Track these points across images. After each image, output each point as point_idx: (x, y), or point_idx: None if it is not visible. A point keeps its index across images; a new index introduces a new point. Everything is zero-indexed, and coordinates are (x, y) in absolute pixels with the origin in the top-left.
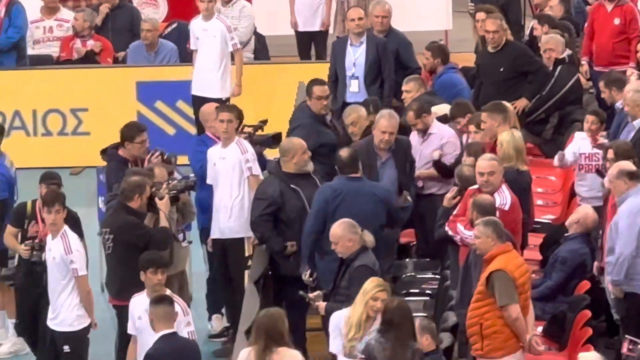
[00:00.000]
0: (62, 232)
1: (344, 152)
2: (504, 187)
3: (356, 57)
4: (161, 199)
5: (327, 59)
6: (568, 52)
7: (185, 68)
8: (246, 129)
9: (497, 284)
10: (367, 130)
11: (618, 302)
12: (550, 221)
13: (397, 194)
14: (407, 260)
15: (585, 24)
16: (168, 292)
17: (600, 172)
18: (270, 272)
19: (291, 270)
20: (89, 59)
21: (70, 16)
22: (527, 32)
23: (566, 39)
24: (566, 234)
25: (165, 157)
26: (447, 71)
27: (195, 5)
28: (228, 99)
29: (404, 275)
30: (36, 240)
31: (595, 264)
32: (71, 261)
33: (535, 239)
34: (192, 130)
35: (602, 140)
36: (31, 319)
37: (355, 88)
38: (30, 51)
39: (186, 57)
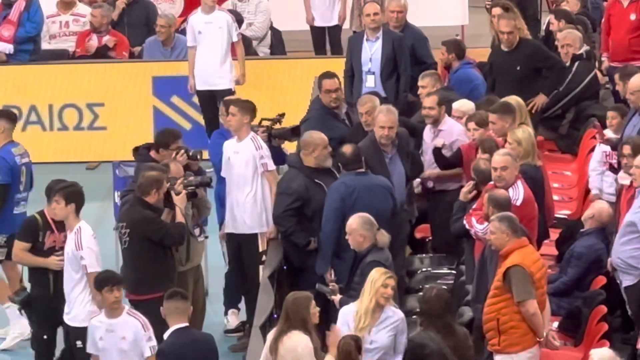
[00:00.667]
0: (76, 227)
1: (347, 149)
2: (520, 182)
3: (372, 52)
4: (178, 194)
5: (342, 53)
6: (586, 47)
7: None
8: (264, 122)
9: (514, 279)
10: None
11: (632, 296)
12: (566, 216)
13: (405, 186)
14: (422, 255)
15: (602, 20)
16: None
17: (614, 168)
18: (284, 267)
19: (306, 263)
20: (102, 55)
21: (86, 11)
22: (543, 27)
23: (582, 33)
24: (581, 230)
25: (190, 154)
26: (463, 66)
27: None
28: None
29: (419, 271)
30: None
31: (609, 259)
32: (81, 257)
33: (551, 234)
34: None
35: (609, 135)
36: (48, 339)
37: (371, 83)
38: (46, 46)
39: None
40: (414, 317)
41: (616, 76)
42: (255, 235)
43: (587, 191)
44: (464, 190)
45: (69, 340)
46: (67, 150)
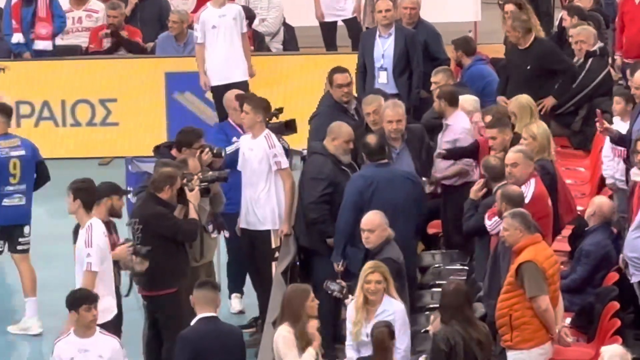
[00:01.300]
0: (87, 224)
1: (371, 139)
2: (533, 180)
3: (385, 48)
4: (191, 190)
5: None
6: (599, 44)
7: None
8: None
9: (527, 275)
10: None
11: None
12: (579, 212)
13: None
14: (434, 251)
15: (616, 18)
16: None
17: (628, 161)
18: (297, 263)
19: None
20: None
21: (99, 7)
22: (556, 23)
23: (595, 30)
24: (587, 228)
25: (215, 152)
26: (476, 63)
27: None
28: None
29: (432, 267)
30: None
31: (621, 256)
32: (88, 254)
33: (564, 230)
34: None
35: (608, 125)
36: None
37: (383, 79)
38: (59, 42)
39: None
40: (427, 312)
41: (628, 72)
42: (269, 232)
43: (600, 187)
44: (474, 188)
45: None
46: (80, 146)
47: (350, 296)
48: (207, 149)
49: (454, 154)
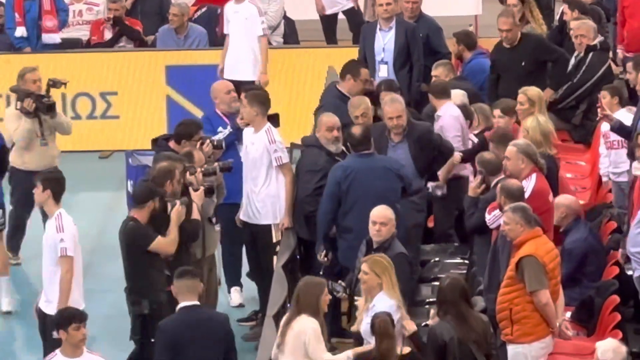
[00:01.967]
0: (56, 213)
1: (356, 130)
2: (534, 175)
3: (385, 42)
4: (196, 190)
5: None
6: (600, 38)
7: (214, 52)
8: None
9: (527, 269)
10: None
11: None
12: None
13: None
14: (434, 245)
15: (617, 12)
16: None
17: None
18: (297, 256)
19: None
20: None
21: (100, 0)
22: (557, 16)
23: (596, 23)
24: (561, 230)
25: (215, 144)
26: (477, 57)
27: None
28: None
29: (432, 260)
30: None
31: (621, 250)
32: (61, 239)
33: None
34: None
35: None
36: None
37: (384, 73)
38: (59, 34)
39: (216, 41)
40: (427, 306)
41: (629, 65)
42: (269, 225)
43: (601, 181)
44: (472, 185)
45: (44, 330)
46: (80, 139)
47: (356, 297)
48: (207, 141)
49: (469, 155)
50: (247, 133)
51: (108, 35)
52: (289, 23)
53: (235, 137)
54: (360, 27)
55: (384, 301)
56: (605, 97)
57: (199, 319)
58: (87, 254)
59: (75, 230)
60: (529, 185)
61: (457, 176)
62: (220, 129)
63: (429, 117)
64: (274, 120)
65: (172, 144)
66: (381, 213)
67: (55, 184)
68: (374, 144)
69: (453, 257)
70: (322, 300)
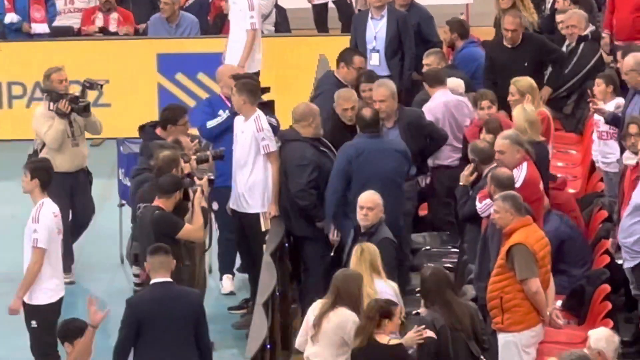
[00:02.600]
0: (39, 202)
1: (366, 111)
2: (525, 164)
3: (377, 30)
4: (200, 179)
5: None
6: (591, 28)
7: (206, 40)
8: None
9: (517, 257)
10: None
11: (638, 276)
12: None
13: None
14: (425, 233)
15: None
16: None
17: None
18: (286, 244)
19: (308, 232)
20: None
21: None
22: (548, 5)
23: (587, 13)
24: None
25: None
26: (468, 45)
27: None
28: (257, 73)
29: (423, 249)
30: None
31: (611, 240)
32: (34, 230)
33: None
34: None
35: (601, 105)
36: None
37: (376, 61)
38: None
39: (207, 29)
40: (417, 295)
41: (618, 54)
42: (258, 214)
43: (592, 170)
44: (464, 173)
45: (27, 319)
46: None
47: None
48: (196, 140)
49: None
50: (238, 122)
51: (99, 24)
52: (281, 11)
53: (233, 123)
54: (349, 17)
55: (380, 286)
56: (599, 85)
57: (168, 295)
58: (78, 241)
59: (54, 222)
60: (520, 174)
61: (444, 166)
62: (220, 112)
63: (420, 105)
64: (270, 107)
65: (158, 130)
66: (369, 198)
67: (44, 173)
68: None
69: (444, 245)
70: (362, 292)
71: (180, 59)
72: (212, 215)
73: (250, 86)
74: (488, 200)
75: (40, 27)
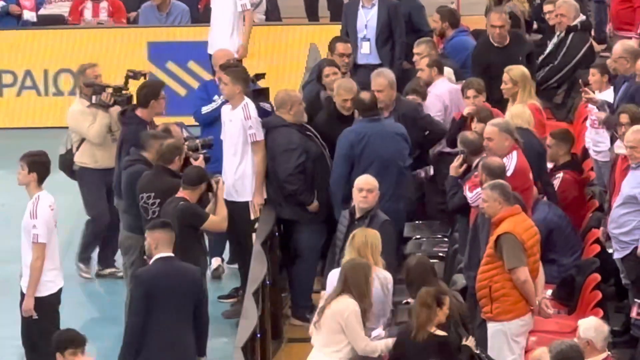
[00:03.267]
0: (35, 196)
1: (365, 95)
2: (515, 152)
3: (368, 19)
4: (196, 159)
5: (340, 19)
6: (581, 18)
7: (196, 29)
8: None
9: (505, 246)
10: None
11: (628, 266)
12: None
13: None
14: (417, 222)
15: None
16: None
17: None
18: (277, 234)
19: (299, 216)
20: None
21: None
22: None
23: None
24: None
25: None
26: (458, 34)
27: None
28: (239, 60)
29: (414, 238)
30: None
31: (602, 229)
32: (34, 226)
33: None
34: None
35: (592, 94)
36: None
37: (366, 50)
38: (41, 11)
39: (198, 17)
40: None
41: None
42: (247, 203)
43: (583, 159)
44: (454, 165)
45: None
46: (62, 115)
47: None
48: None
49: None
50: (225, 111)
51: (87, 15)
52: (271, 0)
53: None
54: (338, 6)
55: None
56: (594, 75)
57: (174, 270)
58: (67, 232)
59: (51, 215)
60: (510, 163)
61: (446, 153)
62: (215, 97)
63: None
64: (264, 95)
65: (138, 111)
66: (367, 180)
67: (42, 167)
68: None
69: (434, 234)
70: (370, 282)
71: (171, 47)
72: None
73: (245, 75)
74: (479, 189)
75: (28, 15)
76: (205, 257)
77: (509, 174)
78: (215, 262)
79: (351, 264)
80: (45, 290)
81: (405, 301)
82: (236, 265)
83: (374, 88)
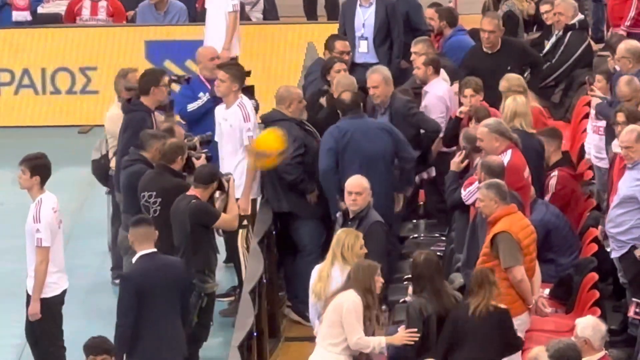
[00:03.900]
0: (38, 199)
1: (346, 95)
2: (510, 151)
3: (365, 17)
4: (198, 158)
5: (336, 19)
6: (579, 16)
7: (194, 28)
8: None
9: (501, 245)
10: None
11: (625, 265)
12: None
13: None
14: (414, 221)
15: None
16: None
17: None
18: (274, 232)
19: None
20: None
21: None
22: None
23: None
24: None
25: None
26: (456, 33)
27: None
28: (235, 58)
29: (411, 237)
30: None
31: (600, 227)
32: (37, 230)
33: None
34: None
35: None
36: None
37: (364, 49)
38: (39, 10)
39: (196, 16)
40: (405, 282)
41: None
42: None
43: (580, 157)
44: (456, 160)
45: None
46: (60, 114)
47: None
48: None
49: (448, 140)
50: (219, 110)
51: (86, 13)
52: None
53: (213, 105)
54: (335, 5)
55: None
56: (600, 82)
57: (159, 265)
58: (66, 229)
59: (54, 217)
60: (504, 160)
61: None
62: (200, 94)
63: (407, 92)
64: (250, 92)
65: (142, 99)
66: (356, 182)
67: (44, 169)
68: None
69: (432, 233)
70: (374, 281)
71: (169, 46)
72: None
73: (242, 74)
74: (472, 187)
75: (22, 15)
76: (216, 255)
77: None
78: None
79: (357, 264)
80: (49, 292)
81: (402, 300)
82: (232, 264)
83: (369, 84)
